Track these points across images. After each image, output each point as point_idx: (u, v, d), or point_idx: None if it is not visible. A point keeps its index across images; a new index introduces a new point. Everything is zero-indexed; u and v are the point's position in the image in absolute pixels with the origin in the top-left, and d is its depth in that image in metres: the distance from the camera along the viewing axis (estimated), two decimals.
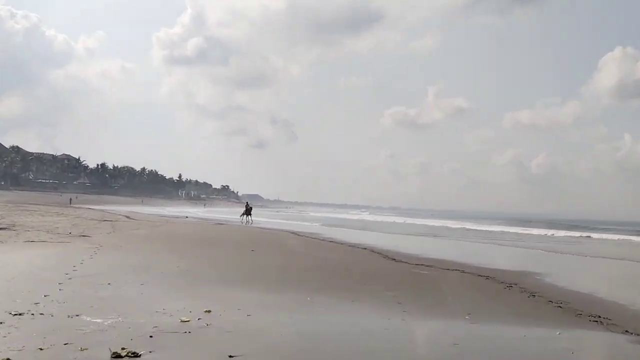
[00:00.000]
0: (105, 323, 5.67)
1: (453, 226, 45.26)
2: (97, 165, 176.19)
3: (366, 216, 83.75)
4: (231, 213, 73.65)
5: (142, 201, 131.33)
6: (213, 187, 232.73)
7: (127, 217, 36.75)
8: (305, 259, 13.57)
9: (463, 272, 12.01)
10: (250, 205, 39.15)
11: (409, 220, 58.17)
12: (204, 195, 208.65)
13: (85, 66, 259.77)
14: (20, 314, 5.81)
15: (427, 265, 12.94)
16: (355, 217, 73.01)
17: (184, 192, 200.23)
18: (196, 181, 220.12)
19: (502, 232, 36.97)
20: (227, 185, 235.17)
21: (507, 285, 10.23)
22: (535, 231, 37.97)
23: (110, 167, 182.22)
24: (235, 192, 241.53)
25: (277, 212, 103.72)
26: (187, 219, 42.13)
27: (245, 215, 37.01)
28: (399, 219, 62.86)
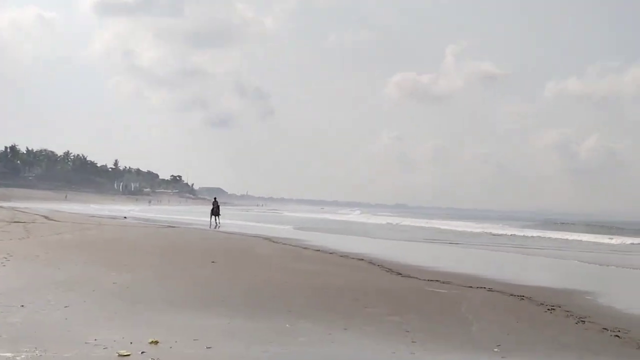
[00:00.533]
0: (18, 358, 5.63)
1: (476, 230, 45.60)
2: (5, 148, 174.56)
3: (358, 216, 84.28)
4: (185, 212, 73.66)
5: (66, 196, 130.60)
6: (160, 177, 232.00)
7: (47, 217, 36.53)
8: (283, 273, 13.57)
9: (490, 290, 12.08)
10: (217, 203, 40.16)
11: (418, 222, 58.53)
12: (148, 189, 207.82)
13: None
14: None
15: (444, 282, 12.99)
16: (347, 218, 73.46)
17: (121, 184, 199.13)
18: (137, 170, 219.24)
19: (540, 238, 37.35)
20: (178, 176, 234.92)
21: (547, 307, 10.31)
22: (584, 237, 38.33)
23: (23, 150, 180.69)
24: (190, 184, 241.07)
25: (245, 211, 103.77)
26: (125, 219, 41.99)
27: (213, 216, 38.28)
28: (405, 221, 63.11)
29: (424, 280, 13.27)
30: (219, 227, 35.58)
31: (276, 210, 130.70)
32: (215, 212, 38.61)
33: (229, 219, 48.53)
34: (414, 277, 13.71)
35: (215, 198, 41.93)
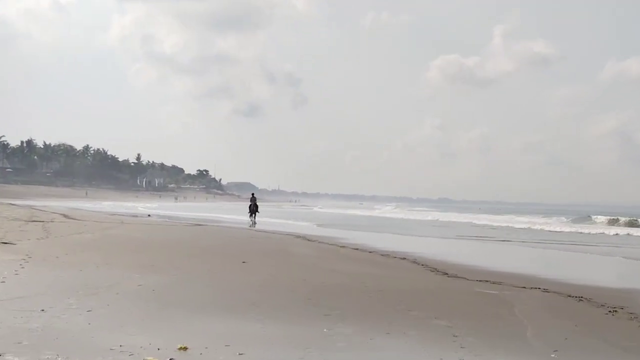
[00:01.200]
0: None
1: (526, 225, 45.23)
2: (21, 142, 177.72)
3: (392, 212, 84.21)
4: (213, 209, 74.19)
5: (87, 193, 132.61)
6: (186, 172, 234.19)
7: (66, 216, 37.05)
8: (319, 274, 13.59)
9: (546, 291, 11.99)
10: (256, 199, 40.31)
11: (462, 218, 58.17)
12: (172, 185, 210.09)
13: (1, 2, 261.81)
14: None
15: (494, 282, 12.93)
16: (378, 214, 73.40)
17: (144, 180, 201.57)
18: (161, 165, 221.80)
19: (602, 235, 36.86)
20: (205, 171, 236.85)
21: (609, 309, 10.17)
22: None
23: (40, 145, 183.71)
24: (218, 179, 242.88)
25: (277, 207, 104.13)
26: (150, 218, 42.42)
27: (252, 214, 38.71)
28: (447, 216, 62.75)
29: (473, 280, 13.22)
30: (255, 225, 35.90)
31: (306, 205, 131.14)
32: (253, 209, 38.84)
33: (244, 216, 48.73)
34: (461, 277, 13.66)
35: (253, 194, 42.13)
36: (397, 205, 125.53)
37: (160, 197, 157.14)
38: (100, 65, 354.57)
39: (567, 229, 41.21)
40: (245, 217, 41.52)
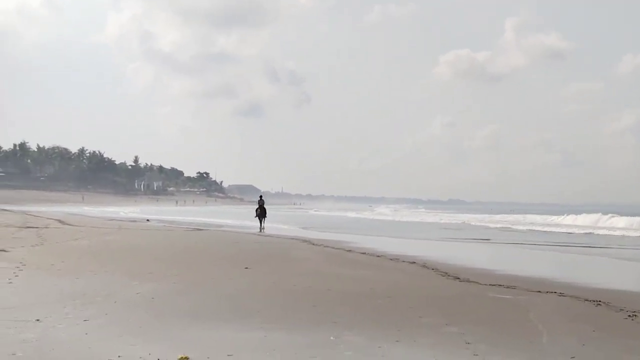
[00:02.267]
0: None
1: (540, 227, 45.11)
2: (14, 146, 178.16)
3: (389, 214, 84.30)
4: (214, 213, 74.24)
5: (83, 198, 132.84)
6: (185, 175, 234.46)
7: (61, 221, 37.13)
8: (325, 280, 13.58)
9: (562, 295, 11.96)
10: (264, 202, 39.12)
11: (476, 220, 58.05)
12: (172, 188, 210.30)
13: None
14: None
15: (508, 286, 12.91)
16: (373, 216, 73.44)
17: (142, 183, 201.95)
18: (160, 167, 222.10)
19: (622, 237, 36.72)
20: (205, 173, 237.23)
21: (629, 313, 10.14)
22: None
23: (34, 148, 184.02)
24: (219, 182, 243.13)
25: (273, 211, 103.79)
26: (149, 222, 42.48)
27: (261, 219, 37.55)
28: (458, 217, 62.62)
29: (485, 284, 13.21)
30: (264, 230, 35.61)
31: (303, 208, 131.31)
32: (262, 213, 37.72)
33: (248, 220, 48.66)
34: (473, 282, 13.65)
35: (261, 196, 40.80)
36: (396, 209, 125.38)
37: (157, 200, 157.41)
38: (95, 65, 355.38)
39: (583, 230, 41.08)
40: (249, 222, 41.46)
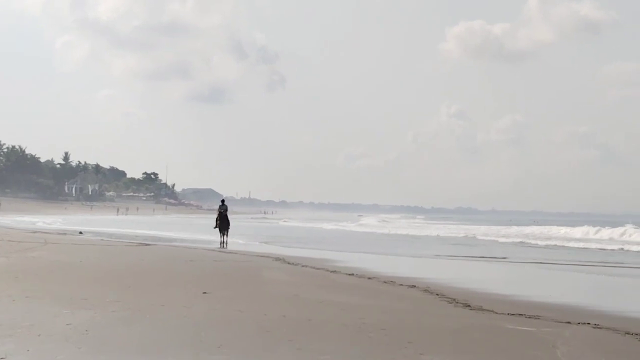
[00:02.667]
0: None
1: (572, 244, 45.35)
2: None
3: (371, 225, 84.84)
4: (164, 225, 74.17)
5: (0, 204, 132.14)
6: (128, 176, 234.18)
7: None
8: (304, 307, 13.59)
9: (597, 326, 12.01)
10: (226, 209, 38.03)
11: (479, 233, 58.35)
12: (111, 193, 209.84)
13: None
14: None
15: (530, 316, 12.96)
16: (344, 227, 73.86)
17: (74, 186, 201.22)
18: (96, 166, 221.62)
19: None
20: (154, 174, 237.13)
21: None
22: None
23: None
24: (170, 185, 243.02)
25: (248, 221, 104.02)
26: (82, 236, 42.33)
27: (222, 232, 36.49)
28: (465, 230, 62.88)
29: (502, 314, 13.23)
30: (226, 246, 34.91)
31: (273, 219, 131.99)
32: (224, 224, 36.61)
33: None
34: (487, 310, 13.66)
35: (222, 201, 39.40)
36: (385, 219, 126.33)
37: (91, 208, 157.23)
38: (15, 38, 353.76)
39: (624, 247, 41.28)
40: (207, 235, 41.21)
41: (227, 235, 36.43)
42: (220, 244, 35.58)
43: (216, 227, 36.84)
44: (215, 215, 38.04)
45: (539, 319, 12.70)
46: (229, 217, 37.43)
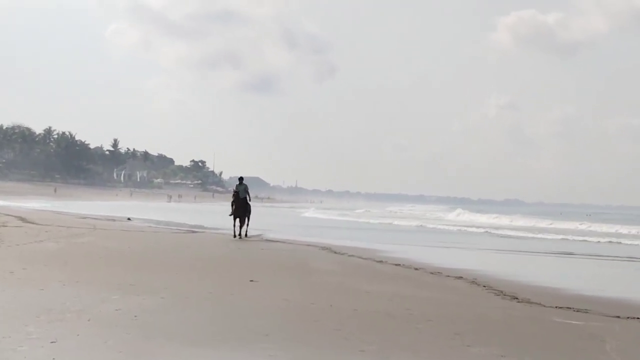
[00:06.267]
0: None
1: (627, 241, 44.69)
2: None
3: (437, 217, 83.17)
4: (212, 212, 74.08)
5: (56, 190, 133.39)
6: (176, 164, 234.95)
7: (22, 219, 37.26)
8: (349, 297, 13.58)
9: None
10: (245, 192, 31.73)
11: (532, 229, 57.63)
12: (159, 180, 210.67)
13: None
14: None
15: (578, 310, 12.87)
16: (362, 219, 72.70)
17: (123, 173, 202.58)
18: (145, 153, 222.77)
19: None
20: (201, 161, 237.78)
21: None
22: None
23: None
24: (218, 173, 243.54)
25: (266, 209, 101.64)
26: (130, 222, 42.59)
27: (237, 219, 30.64)
28: (496, 222, 62.15)
29: (551, 307, 13.14)
30: (241, 237, 30.35)
31: (305, 207, 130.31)
32: (240, 211, 30.69)
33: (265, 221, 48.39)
34: (535, 303, 13.58)
35: (240, 179, 32.61)
36: (427, 210, 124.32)
37: (145, 196, 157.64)
38: (67, 27, 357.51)
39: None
40: (255, 223, 40.36)
41: (247, 225, 30.77)
42: (234, 233, 30.19)
43: (231, 214, 30.89)
44: (231, 201, 31.75)
45: (587, 312, 12.62)
46: (251, 204, 31.79)
